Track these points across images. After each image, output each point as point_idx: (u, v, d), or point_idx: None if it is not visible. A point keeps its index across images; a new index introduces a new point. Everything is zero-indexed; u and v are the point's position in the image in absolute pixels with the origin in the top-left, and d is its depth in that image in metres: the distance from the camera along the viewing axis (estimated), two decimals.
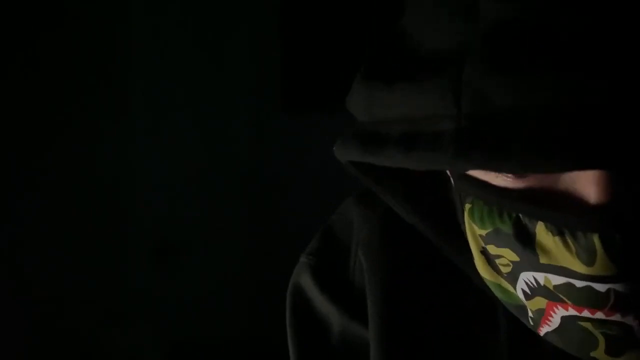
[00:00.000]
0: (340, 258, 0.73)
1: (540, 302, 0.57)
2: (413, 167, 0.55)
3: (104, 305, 2.70)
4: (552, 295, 0.56)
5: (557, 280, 0.55)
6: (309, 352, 0.74)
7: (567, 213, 0.53)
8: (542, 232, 0.54)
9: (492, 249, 0.58)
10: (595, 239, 0.52)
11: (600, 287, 0.53)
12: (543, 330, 0.59)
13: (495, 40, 0.51)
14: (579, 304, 0.55)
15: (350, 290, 0.72)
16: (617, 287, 0.53)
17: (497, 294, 0.61)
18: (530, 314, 0.59)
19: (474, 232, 0.59)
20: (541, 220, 0.54)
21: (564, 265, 0.54)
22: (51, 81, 2.58)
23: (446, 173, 0.63)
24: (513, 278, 0.58)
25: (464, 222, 0.61)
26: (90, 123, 2.66)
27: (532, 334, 0.61)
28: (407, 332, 0.68)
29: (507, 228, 0.56)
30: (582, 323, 0.56)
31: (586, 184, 0.53)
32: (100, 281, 2.68)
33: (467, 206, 0.59)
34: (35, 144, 2.56)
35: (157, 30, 2.79)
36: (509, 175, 0.55)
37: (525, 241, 0.55)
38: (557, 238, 0.54)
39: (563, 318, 0.56)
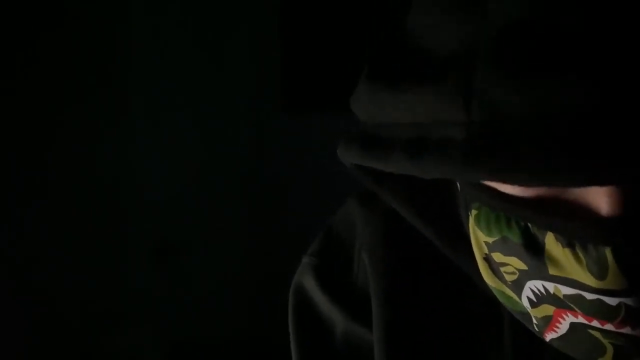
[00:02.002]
0: (343, 259, 0.72)
1: (547, 309, 0.56)
2: (420, 175, 0.52)
3: (104, 305, 2.69)
4: (561, 302, 0.55)
5: (567, 290, 0.53)
6: (311, 353, 0.73)
7: (577, 224, 0.51)
8: (551, 243, 0.53)
9: (497, 257, 0.57)
10: (607, 252, 0.50)
11: (611, 301, 0.52)
12: (548, 337, 0.58)
13: (506, 43, 0.49)
14: (589, 314, 0.53)
15: (354, 291, 0.71)
16: (628, 301, 0.51)
17: (501, 299, 0.60)
18: (535, 320, 0.58)
19: (479, 238, 0.58)
20: (550, 231, 0.53)
21: (574, 277, 0.52)
22: (51, 81, 2.58)
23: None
24: (518, 286, 0.57)
25: (468, 226, 0.59)
26: (90, 123, 2.66)
27: (537, 338, 0.60)
28: (411, 335, 0.67)
29: (515, 237, 0.54)
30: (592, 331, 0.54)
31: (597, 195, 0.51)
32: (100, 281, 2.68)
33: (474, 212, 0.57)
34: (35, 144, 2.55)
35: (157, 30, 2.79)
36: None
37: (534, 251, 0.54)
38: (567, 250, 0.52)
39: (572, 324, 0.55)
